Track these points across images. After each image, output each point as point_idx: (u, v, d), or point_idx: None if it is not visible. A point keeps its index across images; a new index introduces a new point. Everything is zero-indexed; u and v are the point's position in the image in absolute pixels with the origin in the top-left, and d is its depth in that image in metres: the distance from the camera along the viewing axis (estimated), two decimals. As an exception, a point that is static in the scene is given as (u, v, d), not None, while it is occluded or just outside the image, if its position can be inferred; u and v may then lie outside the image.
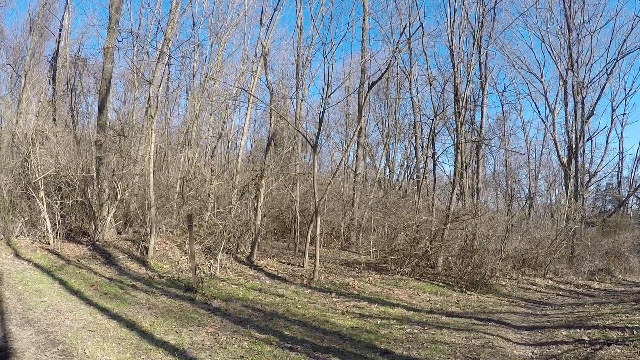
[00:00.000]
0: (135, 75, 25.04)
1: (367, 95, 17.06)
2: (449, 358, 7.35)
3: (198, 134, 22.87)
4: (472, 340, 8.39)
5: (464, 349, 7.85)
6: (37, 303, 8.97)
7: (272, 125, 16.61)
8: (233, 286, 11.82)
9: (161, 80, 17.41)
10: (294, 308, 10.11)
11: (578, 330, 9.47)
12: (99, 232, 15.44)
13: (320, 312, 10.00)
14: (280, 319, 8.99)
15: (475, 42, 21.57)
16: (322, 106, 15.37)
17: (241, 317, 8.81)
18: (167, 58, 15.86)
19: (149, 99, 15.31)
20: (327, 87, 15.35)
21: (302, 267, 15.20)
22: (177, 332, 7.57)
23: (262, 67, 17.50)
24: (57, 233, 15.39)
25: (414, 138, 29.65)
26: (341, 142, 34.29)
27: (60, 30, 28.79)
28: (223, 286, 11.68)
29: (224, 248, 13.59)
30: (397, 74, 29.70)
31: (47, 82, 28.19)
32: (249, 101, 18.09)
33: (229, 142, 28.01)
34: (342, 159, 19.14)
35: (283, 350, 7.00)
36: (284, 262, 15.85)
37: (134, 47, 23.65)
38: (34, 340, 6.79)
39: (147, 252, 13.99)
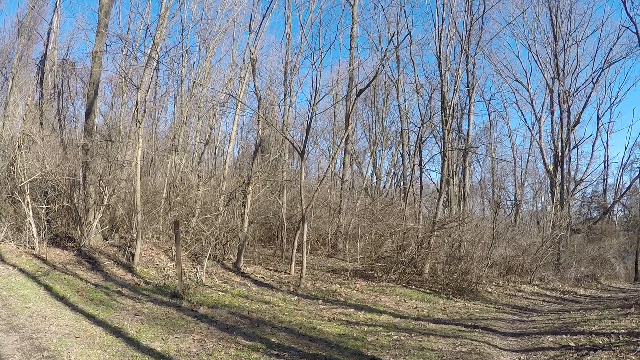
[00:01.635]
0: (123, 80, 24.90)
1: (354, 103, 17.08)
2: (435, 364, 7.40)
3: (185, 140, 22.81)
4: (459, 347, 8.43)
5: (450, 355, 7.89)
6: (22, 309, 8.89)
7: (260, 131, 16.63)
8: (220, 293, 11.78)
9: (149, 86, 17.35)
10: (280, 315, 10.10)
11: (564, 336, 9.55)
12: (85, 238, 15.33)
13: (307, 319, 10.01)
14: (267, 325, 8.98)
15: (463, 51, 21.72)
16: (310, 113, 15.45)
17: (228, 324, 8.79)
18: (155, 63, 15.83)
19: (137, 104, 15.24)
20: (315, 94, 15.39)
21: (289, 274, 15.18)
22: (163, 339, 7.55)
23: (250, 73, 17.52)
24: (42, 238, 15.27)
25: (401, 145, 29.84)
26: (328, 149, 34.32)
27: (48, 33, 28.60)
28: (209, 293, 11.63)
29: (210, 254, 13.55)
30: (385, 82, 29.85)
31: (35, 85, 27.99)
32: (236, 107, 18.08)
33: (216, 148, 27.98)
34: (329, 166, 19.20)
35: (270, 358, 7.02)
36: (270, 269, 15.82)
37: (122, 51, 23.51)
38: (19, 347, 6.75)
39: (133, 258, 13.90)
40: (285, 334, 8.47)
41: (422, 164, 22.86)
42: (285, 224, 18.42)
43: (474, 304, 14.50)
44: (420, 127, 21.49)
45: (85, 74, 30.39)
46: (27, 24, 29.99)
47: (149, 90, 17.75)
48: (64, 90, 29.05)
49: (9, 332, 7.41)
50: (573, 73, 30.11)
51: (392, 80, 27.35)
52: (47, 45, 28.14)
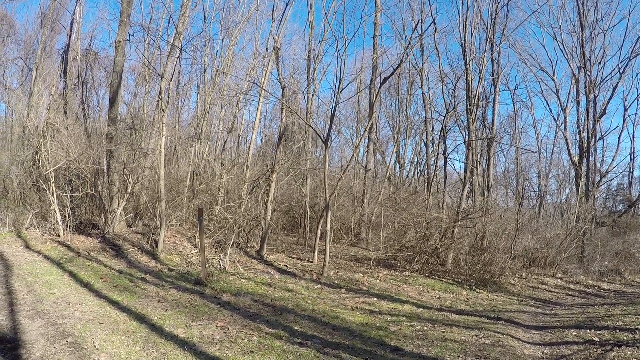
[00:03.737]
0: (147, 69, 25.02)
1: (378, 91, 16.94)
2: (459, 356, 7.29)
3: (208, 128, 22.85)
4: (482, 339, 8.34)
5: (474, 347, 7.80)
6: (47, 295, 8.96)
7: (284, 119, 16.53)
8: (242, 280, 11.77)
9: (172, 74, 17.38)
10: (303, 303, 10.07)
11: (588, 330, 9.38)
12: (109, 225, 15.45)
13: (330, 307, 9.96)
14: (290, 313, 8.94)
15: (488, 39, 21.37)
16: (334, 101, 15.25)
17: (251, 312, 8.78)
18: (178, 52, 15.81)
19: (160, 93, 15.26)
20: (339, 82, 15.22)
21: (312, 262, 15.16)
22: (186, 326, 7.55)
23: (273, 61, 17.45)
24: (67, 225, 15.42)
25: (424, 134, 29.53)
26: (351, 138, 34.10)
27: (71, 24, 28.79)
28: (232, 280, 11.64)
29: (233, 242, 13.55)
30: (409, 70, 29.58)
31: (58, 76, 28.23)
32: (259, 95, 18.03)
33: (239, 137, 27.96)
34: (353, 155, 19.00)
35: (293, 346, 6.97)
36: (293, 257, 15.81)
37: (145, 40, 23.63)
38: (44, 332, 6.79)
39: (157, 246, 13.99)
40: (308, 322, 8.43)
41: (447, 153, 22.65)
42: (309, 212, 18.39)
43: (496, 295, 14.35)
44: (445, 116, 21.26)
45: (108, 63, 30.68)
46: (50, 15, 30.43)
47: (172, 79, 17.77)
48: (87, 80, 29.31)
49: (33, 318, 7.46)
50: (599, 63, 29.46)
51: (416, 69, 27.07)
52: (70, 35, 28.32)
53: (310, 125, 16.81)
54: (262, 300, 9.80)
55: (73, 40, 27.98)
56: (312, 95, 19.24)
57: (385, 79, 16.10)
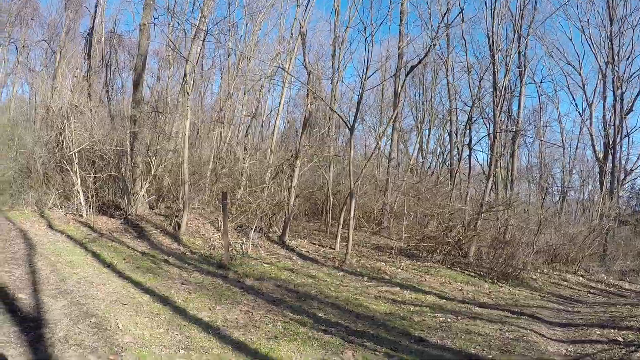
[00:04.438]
0: (171, 52, 25.07)
1: (404, 81, 16.73)
2: (483, 350, 7.15)
3: (231, 113, 22.80)
4: (506, 333, 8.18)
5: (498, 341, 7.65)
6: (70, 274, 8.96)
7: (309, 105, 16.34)
8: (265, 265, 11.70)
9: (197, 57, 17.36)
10: (326, 290, 9.95)
11: (612, 330, 9.17)
12: (132, 207, 15.49)
13: (353, 295, 9.83)
14: (314, 300, 8.83)
15: (515, 31, 20.98)
16: (361, 87, 15.01)
17: (274, 297, 8.69)
18: (203, 35, 15.70)
19: (185, 76, 15.24)
20: (366, 69, 15.01)
21: (334, 249, 15.05)
22: (210, 309, 7.49)
23: (299, 47, 17.33)
24: (90, 206, 15.49)
25: (448, 125, 29.23)
26: (375, 127, 33.85)
27: (95, 7, 29.16)
28: (255, 265, 11.56)
29: (256, 227, 13.47)
30: (435, 60, 29.21)
31: (82, 58, 28.52)
32: (284, 81, 17.94)
33: (262, 122, 27.87)
34: (377, 143, 18.80)
35: (317, 332, 6.88)
36: (315, 244, 15.71)
37: (169, 24, 23.63)
38: (67, 312, 6.76)
39: (179, 228, 13.98)
40: (332, 310, 8.32)
41: (472, 144, 22.39)
42: (331, 199, 18.26)
43: (519, 290, 14.14)
44: (470, 107, 21.02)
45: (132, 46, 30.90)
46: None
47: (197, 62, 17.76)
48: (111, 63, 29.46)
49: (57, 297, 7.45)
50: (628, 58, 28.66)
51: (441, 59, 26.74)
52: (95, 18, 28.62)
53: (335, 112, 16.61)
54: (285, 286, 9.71)
55: (97, 23, 28.29)
56: (337, 82, 19.06)
57: (412, 68, 15.91)
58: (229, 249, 11.20)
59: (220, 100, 23.06)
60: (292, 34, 21.02)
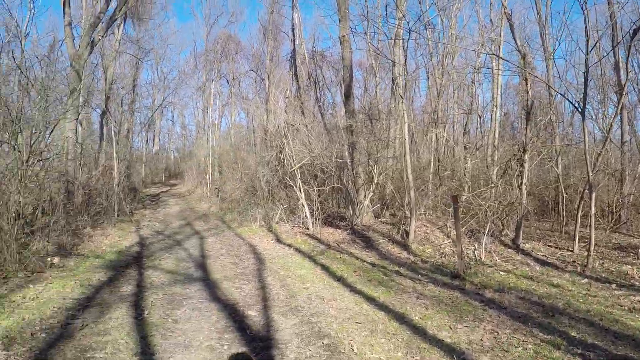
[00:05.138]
0: (374, 59, 25.23)
1: (629, 47, 14.42)
2: None
3: (444, 112, 22.26)
4: None
5: None
6: (300, 290, 9.08)
7: (530, 92, 14.90)
8: (501, 273, 10.77)
9: (405, 59, 17.17)
10: (574, 302, 8.74)
11: None
12: (357, 217, 15.63)
13: (604, 308, 8.42)
14: (563, 315, 7.76)
15: None
16: (585, 64, 13.11)
17: (519, 312, 7.80)
18: (409, 34, 15.21)
19: (395, 79, 15.04)
20: (587, 40, 12.96)
21: (572, 251, 13.59)
22: (451, 328, 6.92)
23: (505, 31, 16.30)
24: (315, 218, 15.91)
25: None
26: (593, 109, 30.68)
27: (292, 30, 30.77)
28: (491, 273, 10.71)
29: (488, 230, 12.70)
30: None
31: (290, 80, 30.31)
32: (497, 70, 16.96)
33: (479, 118, 26.82)
34: (610, 124, 16.50)
35: (574, 357, 6.00)
36: (550, 246, 14.32)
37: (366, 33, 23.80)
38: (298, 332, 6.73)
39: (407, 236, 13.70)
40: (584, 327, 7.17)
41: None
42: (564, 194, 16.76)
43: None
44: None
45: (334, 61, 32.27)
46: (270, 29, 33.61)
47: (405, 64, 17.59)
48: (318, 80, 30.62)
49: (287, 315, 7.50)
50: None
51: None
52: (294, 40, 30.24)
53: (563, 95, 14.93)
54: (528, 298, 8.71)
55: (297, 45, 29.72)
56: (550, 62, 17.53)
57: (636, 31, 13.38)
58: (462, 257, 10.61)
59: (431, 101, 22.60)
60: (491, 21, 20.14)
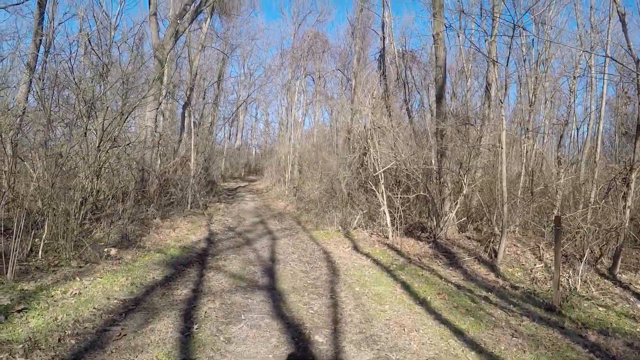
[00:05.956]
0: (464, 62, 24.28)
1: None
2: None
3: (536, 123, 21.08)
4: None
5: None
6: (377, 313, 8.21)
7: (644, 101, 13.39)
8: (600, 308, 9.48)
9: (508, 60, 16.20)
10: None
11: None
12: (441, 230, 14.74)
13: None
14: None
15: None
16: None
17: (629, 364, 6.63)
18: (513, 30, 13.89)
19: (488, 82, 14.08)
20: None
21: (677, 286, 12.17)
22: (556, 382, 5.95)
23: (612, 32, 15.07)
24: (396, 228, 15.21)
25: None
26: None
27: (382, 28, 30.17)
28: (588, 308, 9.48)
29: (586, 257, 11.51)
30: None
31: (378, 80, 29.62)
32: (603, 73, 15.59)
33: (577, 129, 25.33)
34: None
35: None
36: (648, 278, 12.87)
37: (459, 31, 22.97)
38: (372, 369, 5.81)
39: (495, 256, 12.63)
40: None
41: None
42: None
43: None
44: None
45: (425, 63, 31.35)
46: (359, 28, 34.12)
47: (508, 64, 16.69)
48: (407, 81, 29.93)
49: (360, 346, 6.64)
50: None
51: None
52: (384, 38, 29.73)
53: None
54: (637, 345, 7.45)
55: (387, 44, 29.11)
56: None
57: None
58: (559, 286, 9.52)
59: (522, 110, 21.42)
60: (591, 24, 18.96)
